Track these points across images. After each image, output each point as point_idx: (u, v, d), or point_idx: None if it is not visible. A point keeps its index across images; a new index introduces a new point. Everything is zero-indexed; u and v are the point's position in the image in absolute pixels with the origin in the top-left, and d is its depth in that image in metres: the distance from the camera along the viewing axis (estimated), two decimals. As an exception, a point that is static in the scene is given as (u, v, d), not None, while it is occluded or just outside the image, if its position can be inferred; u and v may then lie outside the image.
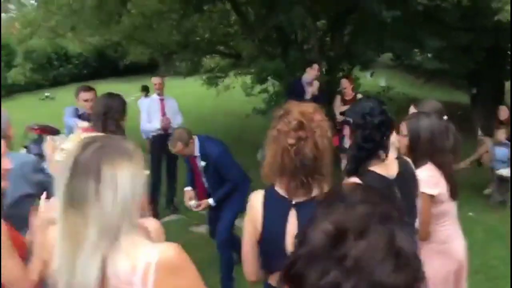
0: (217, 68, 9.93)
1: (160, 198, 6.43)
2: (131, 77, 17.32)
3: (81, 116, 4.46)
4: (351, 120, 2.26)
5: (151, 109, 6.41)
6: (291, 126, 1.80)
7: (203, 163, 4.05)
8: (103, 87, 20.08)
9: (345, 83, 7.01)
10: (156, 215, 5.89)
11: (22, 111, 11.36)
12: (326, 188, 1.84)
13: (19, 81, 18.86)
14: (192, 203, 4.24)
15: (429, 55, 8.20)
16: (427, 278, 0.85)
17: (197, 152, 4.05)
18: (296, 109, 1.85)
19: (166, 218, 6.01)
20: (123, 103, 3.32)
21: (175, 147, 4.03)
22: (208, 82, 9.61)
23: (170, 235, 1.75)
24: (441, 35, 7.24)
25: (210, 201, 4.16)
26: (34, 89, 18.91)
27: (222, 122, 11.70)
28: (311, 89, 6.59)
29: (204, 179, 4.24)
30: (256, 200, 1.93)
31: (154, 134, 6.37)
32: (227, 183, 4.07)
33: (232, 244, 4.00)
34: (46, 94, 18.02)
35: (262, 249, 1.92)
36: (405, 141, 2.66)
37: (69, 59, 20.39)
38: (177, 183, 6.36)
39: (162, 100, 6.39)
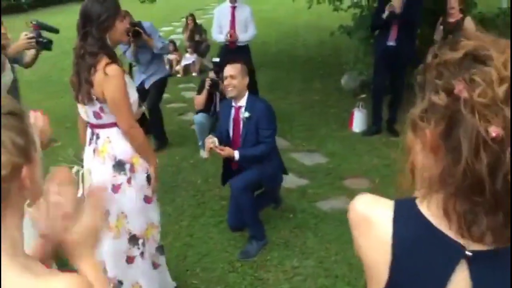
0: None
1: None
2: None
3: None
4: None
5: (221, 17, 5.93)
6: (495, 95, 0.79)
7: (247, 114, 3.81)
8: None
9: (452, 1, 5.84)
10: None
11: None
12: None
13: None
14: (213, 141, 3.80)
15: None
16: None
17: (243, 102, 3.86)
18: (496, 52, 0.82)
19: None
20: (114, 8, 2.47)
21: (234, 68, 3.84)
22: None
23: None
24: None
25: (236, 153, 3.72)
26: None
27: (313, 38, 10.83)
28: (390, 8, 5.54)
29: (241, 139, 3.85)
30: (380, 223, 0.96)
31: (223, 45, 6.01)
32: (260, 145, 3.77)
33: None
34: (148, -5, 18.05)
35: None
36: None
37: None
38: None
39: (234, 8, 5.86)
